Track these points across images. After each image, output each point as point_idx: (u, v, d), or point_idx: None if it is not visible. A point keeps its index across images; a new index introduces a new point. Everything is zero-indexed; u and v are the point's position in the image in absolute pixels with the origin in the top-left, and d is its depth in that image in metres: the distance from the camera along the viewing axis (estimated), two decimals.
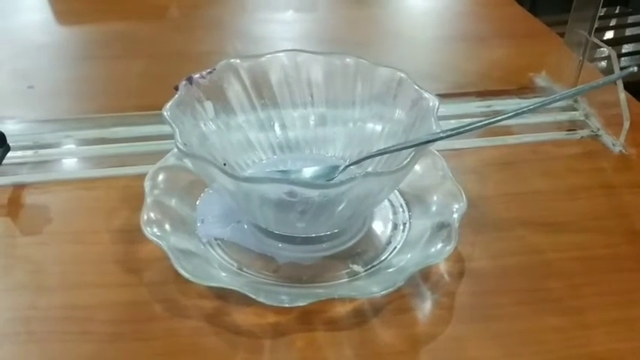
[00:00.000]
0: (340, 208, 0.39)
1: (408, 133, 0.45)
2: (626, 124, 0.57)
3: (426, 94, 0.45)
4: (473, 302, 0.42)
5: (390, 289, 0.39)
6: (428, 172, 0.49)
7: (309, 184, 0.37)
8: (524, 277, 0.44)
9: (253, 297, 0.38)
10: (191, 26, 0.77)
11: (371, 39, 0.77)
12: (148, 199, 0.45)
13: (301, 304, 0.38)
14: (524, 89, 0.67)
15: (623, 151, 0.57)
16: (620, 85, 0.58)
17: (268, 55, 0.49)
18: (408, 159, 0.38)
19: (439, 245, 0.43)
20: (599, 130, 0.60)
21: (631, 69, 0.38)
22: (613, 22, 1.45)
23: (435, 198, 0.47)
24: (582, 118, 0.62)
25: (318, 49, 0.49)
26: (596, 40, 0.61)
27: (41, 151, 0.55)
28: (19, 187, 0.51)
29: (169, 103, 0.43)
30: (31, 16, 0.82)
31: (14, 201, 0.50)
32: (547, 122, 0.62)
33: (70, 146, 0.56)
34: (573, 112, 0.63)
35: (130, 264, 0.44)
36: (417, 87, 0.46)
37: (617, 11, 1.49)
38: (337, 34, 0.79)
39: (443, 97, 0.63)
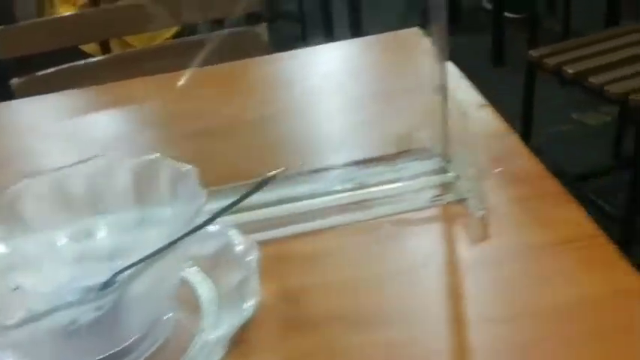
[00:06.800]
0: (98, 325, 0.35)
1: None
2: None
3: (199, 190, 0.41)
4: None
5: None
6: (236, 268, 0.44)
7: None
8: None
9: None
10: None
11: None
12: None
13: None
14: (400, 154, 0.61)
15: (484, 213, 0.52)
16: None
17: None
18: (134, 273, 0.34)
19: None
20: (468, 191, 0.54)
21: (273, 173, 0.36)
22: None
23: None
24: (452, 180, 0.57)
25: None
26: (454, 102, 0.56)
27: None
28: None
29: None
30: None
31: None
32: (416, 189, 0.56)
33: None
34: (445, 175, 0.57)
35: None
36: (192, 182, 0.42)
37: None
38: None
39: (306, 174, 0.59)
